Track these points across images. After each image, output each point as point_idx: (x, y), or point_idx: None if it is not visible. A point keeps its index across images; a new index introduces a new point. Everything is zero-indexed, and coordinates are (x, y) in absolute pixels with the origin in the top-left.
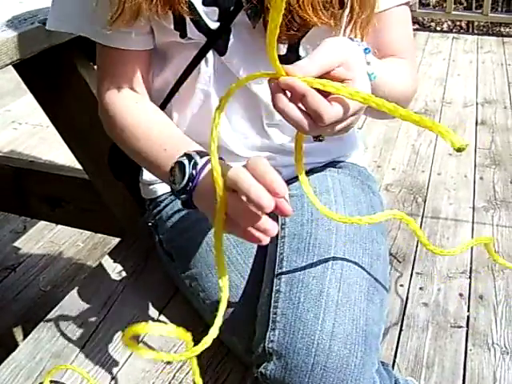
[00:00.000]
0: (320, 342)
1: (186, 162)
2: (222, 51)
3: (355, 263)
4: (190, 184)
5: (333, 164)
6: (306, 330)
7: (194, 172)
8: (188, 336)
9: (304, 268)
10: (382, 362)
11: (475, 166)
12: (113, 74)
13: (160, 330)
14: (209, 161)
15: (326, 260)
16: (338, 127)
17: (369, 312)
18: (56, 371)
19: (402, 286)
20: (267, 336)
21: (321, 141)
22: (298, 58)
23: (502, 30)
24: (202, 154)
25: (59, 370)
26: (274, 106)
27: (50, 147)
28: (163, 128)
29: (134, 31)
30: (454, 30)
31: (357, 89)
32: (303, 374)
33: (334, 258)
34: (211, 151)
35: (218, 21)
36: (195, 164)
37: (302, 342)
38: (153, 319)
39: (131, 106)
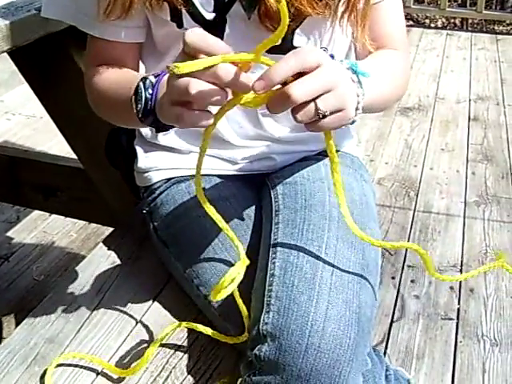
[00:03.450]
0: (314, 323)
1: (140, 84)
2: None
3: (348, 248)
4: (150, 103)
5: (326, 153)
6: (299, 311)
7: (149, 90)
8: None
9: (298, 252)
10: (373, 349)
11: (467, 161)
12: (100, 63)
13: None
14: (164, 73)
15: (320, 244)
16: (324, 106)
17: (361, 295)
18: (58, 360)
19: (393, 278)
20: (261, 318)
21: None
22: (293, 47)
23: (496, 27)
24: (156, 74)
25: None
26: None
27: (43, 138)
28: (129, 74)
29: (126, 24)
30: (448, 27)
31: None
32: (297, 355)
33: (328, 243)
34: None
35: (213, 12)
36: (150, 83)
37: (295, 324)
38: (147, 306)
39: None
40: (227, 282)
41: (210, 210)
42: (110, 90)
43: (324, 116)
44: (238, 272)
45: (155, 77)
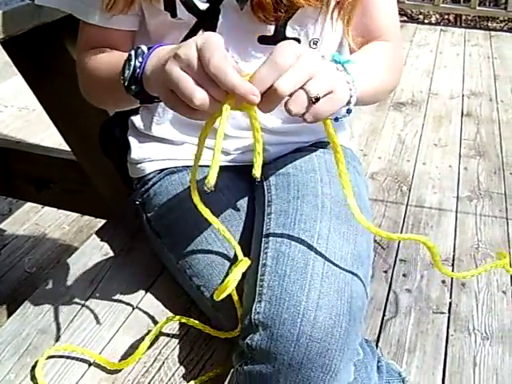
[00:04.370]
0: (305, 312)
1: (132, 52)
2: (211, 32)
3: (340, 238)
4: (138, 71)
5: (319, 144)
6: (291, 301)
7: (140, 59)
8: None
9: (290, 242)
10: (365, 340)
11: (460, 156)
12: (93, 47)
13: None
14: (157, 46)
15: (312, 235)
16: (315, 90)
17: (353, 285)
18: (49, 352)
19: (385, 272)
20: (253, 308)
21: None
22: (285, 38)
23: (489, 24)
24: (149, 46)
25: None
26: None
27: (35, 130)
28: (121, 56)
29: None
30: (441, 23)
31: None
32: (289, 344)
33: (320, 233)
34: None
35: (207, 2)
36: (142, 52)
37: (287, 313)
38: (140, 297)
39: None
40: (231, 283)
41: (211, 218)
42: (101, 68)
43: (317, 99)
44: (241, 272)
45: (148, 48)
